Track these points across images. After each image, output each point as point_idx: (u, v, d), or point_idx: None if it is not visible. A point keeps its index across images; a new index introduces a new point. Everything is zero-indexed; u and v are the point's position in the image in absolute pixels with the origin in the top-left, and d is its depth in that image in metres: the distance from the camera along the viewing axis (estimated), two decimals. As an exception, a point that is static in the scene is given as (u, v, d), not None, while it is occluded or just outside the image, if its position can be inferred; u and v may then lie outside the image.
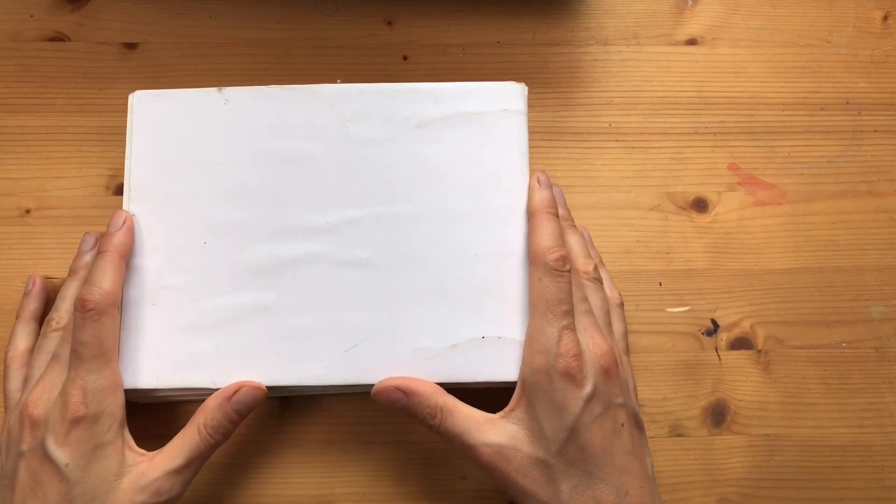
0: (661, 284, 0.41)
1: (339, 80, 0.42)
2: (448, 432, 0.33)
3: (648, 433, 0.39)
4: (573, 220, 0.39)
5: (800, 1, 0.45)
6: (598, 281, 0.36)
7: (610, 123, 0.43)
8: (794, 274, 0.42)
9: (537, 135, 0.42)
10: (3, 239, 0.40)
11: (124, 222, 0.35)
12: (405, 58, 0.43)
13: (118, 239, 0.34)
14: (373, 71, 0.43)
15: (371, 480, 0.38)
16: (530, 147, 0.37)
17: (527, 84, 0.37)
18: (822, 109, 0.44)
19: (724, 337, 0.41)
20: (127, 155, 0.36)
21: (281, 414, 0.39)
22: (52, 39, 0.42)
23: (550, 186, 0.37)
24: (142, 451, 0.33)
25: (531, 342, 0.33)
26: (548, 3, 0.44)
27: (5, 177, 0.41)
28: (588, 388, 0.32)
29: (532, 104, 0.42)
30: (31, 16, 0.43)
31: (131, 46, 0.43)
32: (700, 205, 0.42)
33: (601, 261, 0.40)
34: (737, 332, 0.41)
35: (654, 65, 0.44)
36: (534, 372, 0.33)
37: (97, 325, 0.32)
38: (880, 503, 0.39)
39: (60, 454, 0.31)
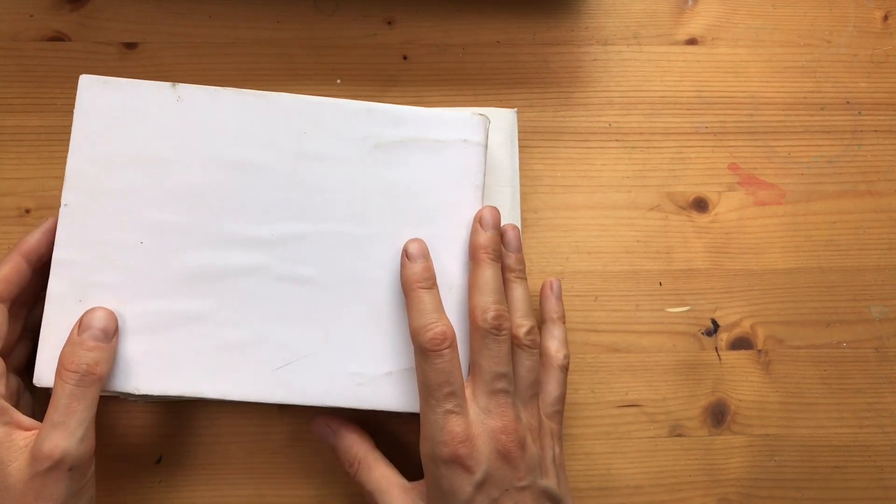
0: (661, 284, 0.41)
1: (338, 81, 0.42)
2: (362, 486, 0.34)
3: (649, 433, 0.39)
4: (524, 269, 0.36)
5: (800, 1, 0.45)
6: (530, 347, 0.34)
7: (610, 123, 0.43)
8: (794, 274, 0.42)
9: (537, 135, 0.42)
10: (3, 239, 0.40)
11: (43, 224, 0.35)
12: (405, 58, 0.43)
13: (26, 238, 0.34)
14: (372, 71, 0.43)
15: (371, 480, 0.38)
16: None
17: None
18: (822, 109, 0.44)
19: (724, 337, 0.41)
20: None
21: (281, 414, 0.39)
22: (51, 39, 0.42)
23: (497, 226, 0.35)
24: (36, 425, 0.31)
25: (421, 426, 0.33)
26: (548, 3, 0.44)
27: (5, 177, 0.41)
28: (478, 475, 0.31)
29: (532, 104, 0.42)
30: (31, 16, 0.43)
31: (131, 46, 0.43)
32: (700, 205, 0.42)
33: (562, 315, 0.37)
34: (737, 332, 0.41)
35: (654, 65, 0.44)
36: (423, 457, 0.32)
37: None
38: (880, 503, 0.39)
39: None
